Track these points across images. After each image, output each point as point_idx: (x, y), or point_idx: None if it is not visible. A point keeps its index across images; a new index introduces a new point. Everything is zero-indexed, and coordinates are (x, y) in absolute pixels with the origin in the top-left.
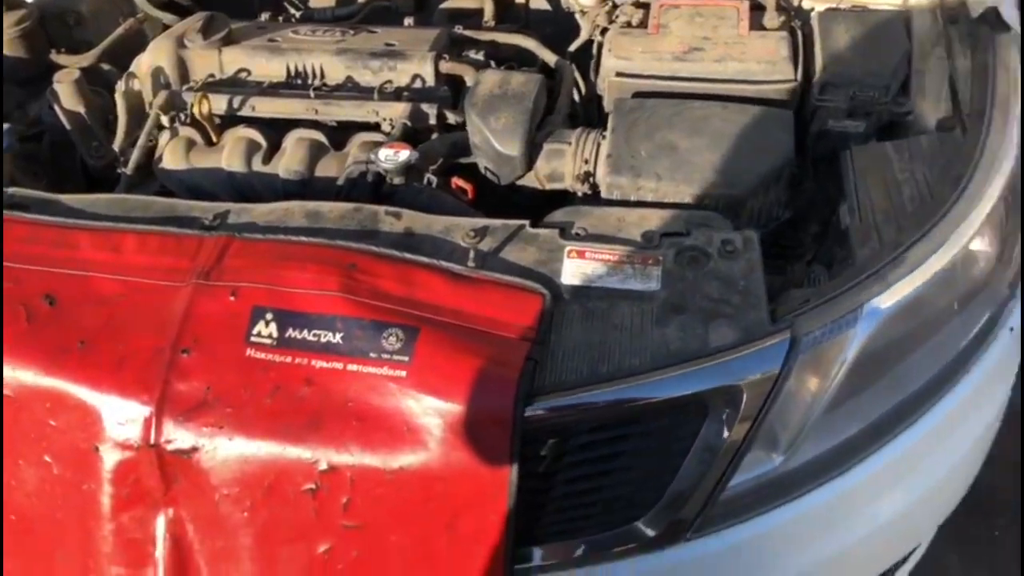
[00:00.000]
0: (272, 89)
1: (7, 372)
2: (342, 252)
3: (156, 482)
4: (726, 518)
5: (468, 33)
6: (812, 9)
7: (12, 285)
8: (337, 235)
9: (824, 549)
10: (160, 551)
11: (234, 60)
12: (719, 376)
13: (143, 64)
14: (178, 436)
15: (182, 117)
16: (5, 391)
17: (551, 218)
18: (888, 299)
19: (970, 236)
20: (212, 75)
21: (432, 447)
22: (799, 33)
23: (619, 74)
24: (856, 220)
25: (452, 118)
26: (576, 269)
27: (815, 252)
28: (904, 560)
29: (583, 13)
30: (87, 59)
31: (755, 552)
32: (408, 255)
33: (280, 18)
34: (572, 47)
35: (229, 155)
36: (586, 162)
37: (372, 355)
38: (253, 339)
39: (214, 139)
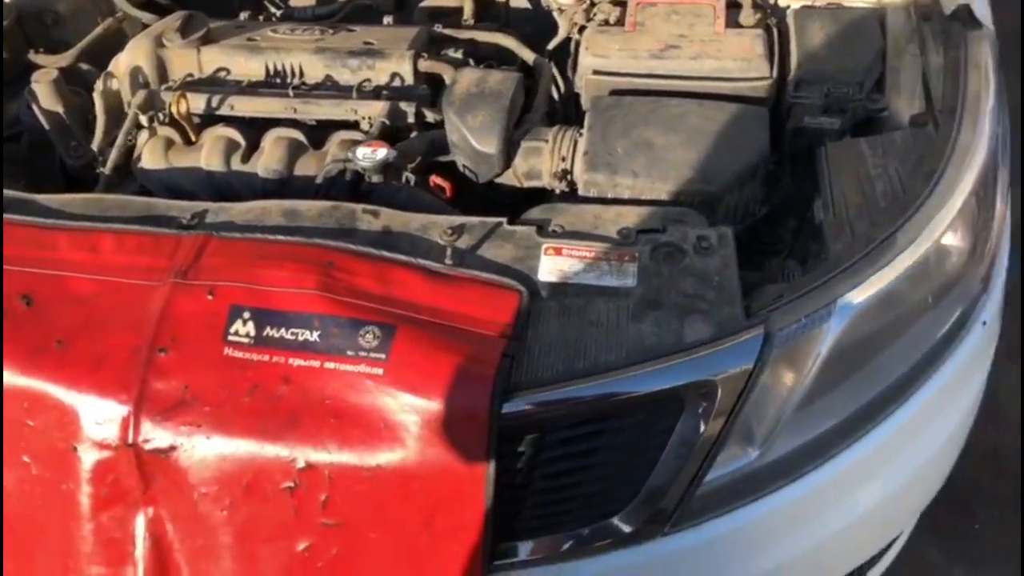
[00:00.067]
0: (251, 88)
1: None
2: (320, 250)
3: (135, 481)
4: (703, 513)
5: (447, 32)
6: (788, 7)
7: None
8: (315, 233)
9: (801, 542)
10: (140, 550)
11: (213, 59)
12: (693, 371)
13: (121, 63)
14: (156, 435)
15: (161, 116)
16: None
17: (528, 215)
18: (860, 294)
19: (941, 231)
20: (191, 74)
21: (409, 444)
22: (775, 31)
23: (596, 72)
24: (830, 215)
25: (431, 116)
26: (553, 266)
27: (791, 248)
28: (885, 550)
29: (561, 11)
30: (65, 59)
31: (732, 546)
32: (385, 253)
33: (260, 17)
34: (551, 45)
35: (208, 154)
36: (563, 160)
37: (349, 353)
38: (231, 338)
39: (193, 138)
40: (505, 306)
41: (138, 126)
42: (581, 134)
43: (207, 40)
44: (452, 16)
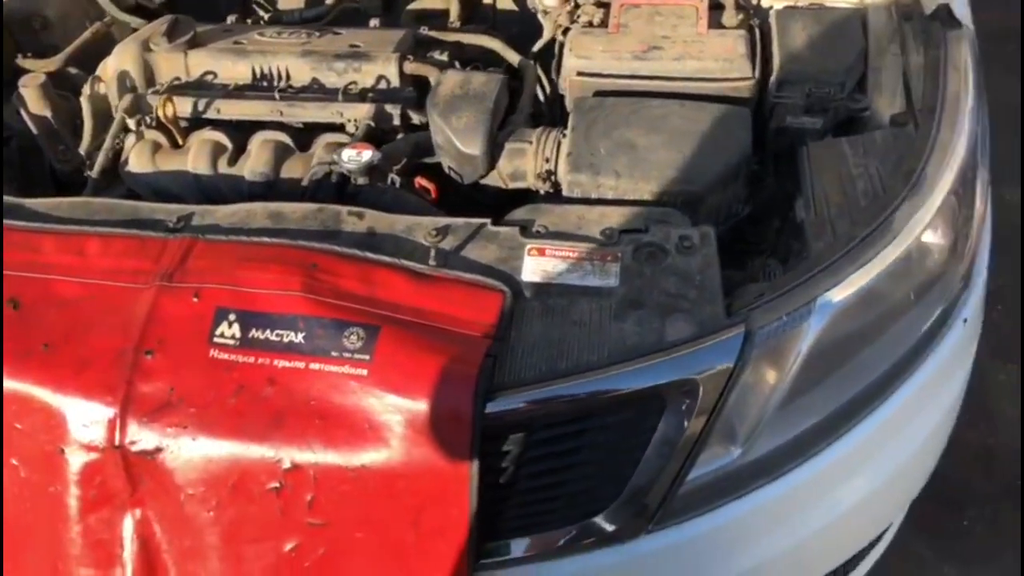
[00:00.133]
0: (238, 91)
1: None
2: (304, 252)
3: (122, 483)
4: (686, 511)
5: (433, 34)
6: (771, 7)
7: None
8: (300, 236)
9: (783, 540)
10: (128, 552)
11: (200, 63)
12: (675, 370)
13: (109, 68)
14: (142, 437)
15: (148, 120)
16: None
17: (512, 216)
18: (840, 292)
19: (920, 229)
20: (178, 78)
21: (394, 444)
22: (757, 31)
23: (580, 73)
24: (811, 214)
25: (416, 118)
26: (536, 266)
27: (773, 247)
28: (871, 547)
29: (545, 13)
30: (53, 63)
31: (715, 544)
32: (370, 254)
33: (248, 20)
34: (535, 47)
35: (195, 157)
36: (547, 160)
37: (334, 354)
38: (216, 340)
39: (180, 142)
40: (488, 306)
41: (125, 130)
42: (565, 135)
43: (194, 44)
44: (439, 18)
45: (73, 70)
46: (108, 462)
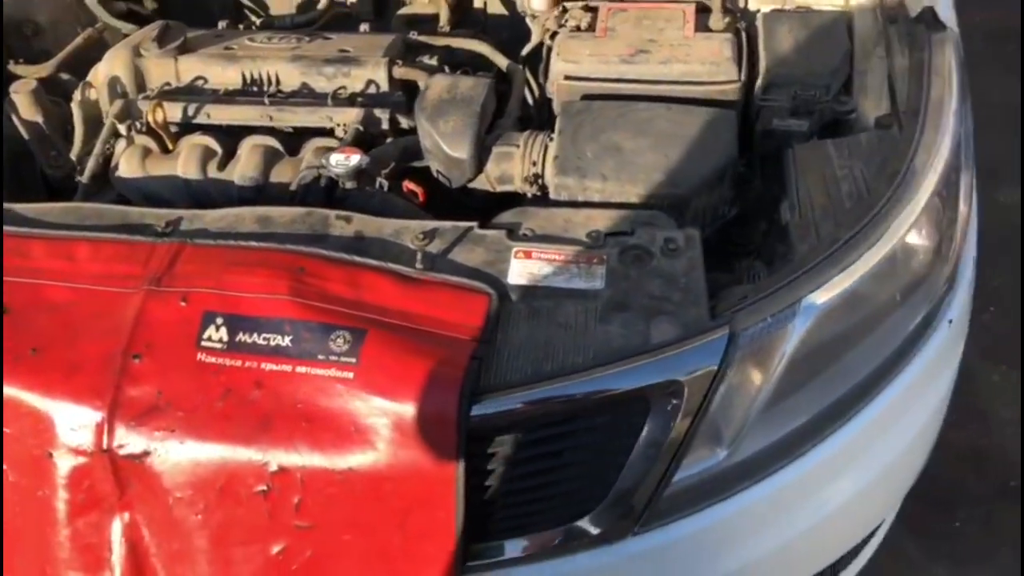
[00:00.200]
0: (227, 96)
1: None
2: (292, 256)
3: (110, 487)
4: (672, 513)
5: (423, 38)
6: (758, 10)
7: None
8: (288, 240)
9: (770, 541)
10: (116, 555)
11: (190, 68)
12: (659, 372)
13: (100, 73)
14: (130, 440)
15: (138, 125)
16: None
17: (499, 219)
18: (824, 294)
19: (904, 231)
20: (168, 83)
21: (380, 447)
22: (744, 34)
23: (567, 77)
24: (796, 216)
25: (405, 123)
26: (523, 269)
27: (759, 249)
28: (860, 547)
29: (534, 17)
30: (45, 69)
31: (701, 546)
32: (357, 258)
33: (241, 26)
34: (524, 51)
35: (185, 162)
36: (534, 164)
37: (320, 357)
38: (204, 343)
39: (170, 147)
40: (475, 309)
41: (116, 135)
42: (552, 139)
43: (184, 49)
44: (429, 23)
45: (65, 76)
46: (96, 466)
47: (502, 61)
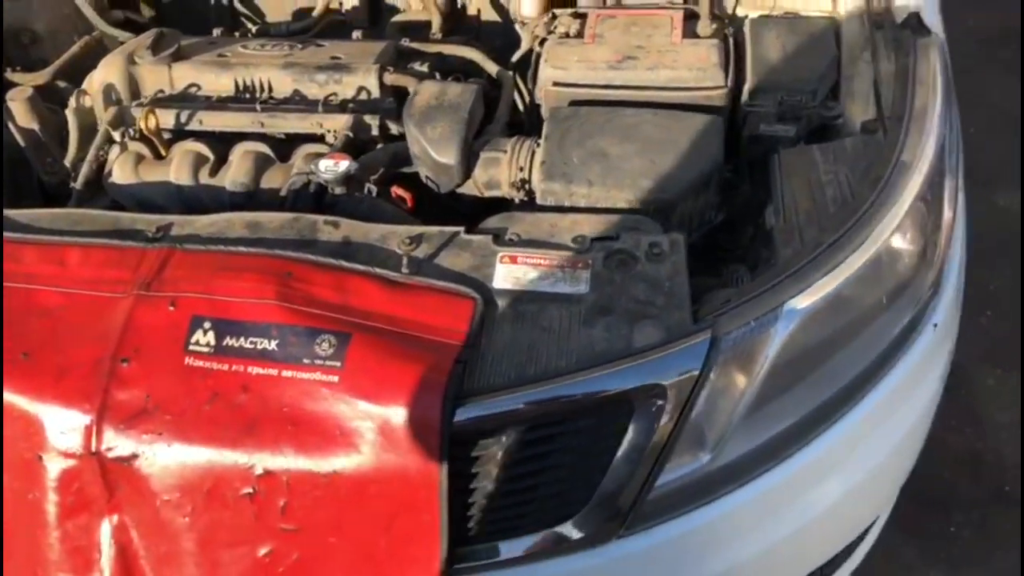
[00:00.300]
0: (220, 103)
1: None
2: (279, 261)
3: (99, 489)
4: (656, 516)
5: (415, 45)
6: (746, 16)
7: None
8: (276, 245)
9: (754, 544)
10: (106, 557)
11: (184, 75)
12: (642, 375)
13: (94, 81)
14: (119, 444)
15: (131, 132)
16: None
17: (486, 224)
18: (807, 299)
19: (887, 236)
20: (162, 90)
21: (365, 450)
22: (731, 40)
23: (556, 83)
24: (780, 221)
25: (395, 129)
26: (508, 274)
27: (744, 254)
28: (851, 550)
29: (524, 24)
30: (42, 77)
31: (685, 549)
32: (343, 263)
33: (237, 33)
34: (514, 58)
35: (177, 168)
36: (521, 169)
37: (306, 361)
38: (192, 348)
39: (163, 153)
40: (460, 313)
41: (110, 142)
42: (539, 144)
43: (178, 57)
44: (423, 30)
45: (61, 83)
46: (85, 469)
47: (493, 68)
